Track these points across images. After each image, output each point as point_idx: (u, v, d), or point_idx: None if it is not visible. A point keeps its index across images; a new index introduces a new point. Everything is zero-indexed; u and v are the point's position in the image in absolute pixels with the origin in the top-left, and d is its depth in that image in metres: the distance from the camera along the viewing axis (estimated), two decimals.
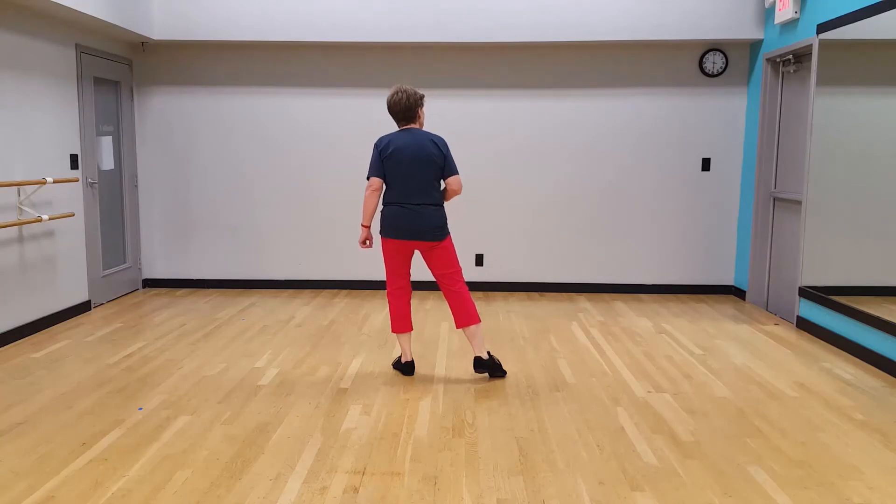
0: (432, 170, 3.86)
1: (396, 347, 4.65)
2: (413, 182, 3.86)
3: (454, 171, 3.90)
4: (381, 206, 3.82)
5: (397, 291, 4.02)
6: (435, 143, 3.87)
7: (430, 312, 5.69)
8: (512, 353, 4.56)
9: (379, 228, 3.90)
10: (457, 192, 3.93)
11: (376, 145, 3.91)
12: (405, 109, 3.88)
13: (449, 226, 6.46)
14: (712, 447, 3.12)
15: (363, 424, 3.36)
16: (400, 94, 3.86)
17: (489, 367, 4.01)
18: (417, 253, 6.24)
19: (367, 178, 3.92)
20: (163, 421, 3.38)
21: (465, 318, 3.95)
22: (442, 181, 3.96)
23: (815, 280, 4.94)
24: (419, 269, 6.52)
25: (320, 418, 3.43)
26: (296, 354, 4.49)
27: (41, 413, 3.48)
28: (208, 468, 2.89)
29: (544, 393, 3.81)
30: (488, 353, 4.04)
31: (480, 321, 3.90)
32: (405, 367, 4.12)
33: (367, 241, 4.01)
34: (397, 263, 3.99)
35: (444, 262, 3.96)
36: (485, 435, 3.24)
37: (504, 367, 4.16)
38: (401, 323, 4.04)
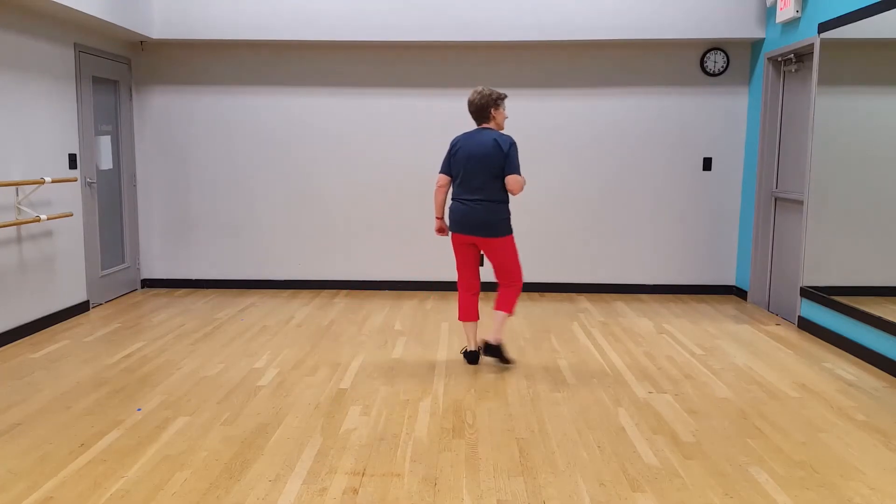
0: (490, 168, 3.99)
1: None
2: (471, 179, 4.04)
3: (513, 171, 3.99)
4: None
5: (464, 283, 4.25)
6: (498, 142, 3.99)
7: (430, 313, 5.67)
8: (512, 353, 4.55)
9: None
10: (514, 192, 4.01)
11: (450, 143, 4.17)
12: (477, 109, 4.07)
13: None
14: (713, 448, 3.11)
15: (363, 425, 3.35)
16: (475, 94, 4.08)
17: (496, 354, 4.23)
18: None
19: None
20: (162, 421, 3.37)
21: (503, 304, 4.18)
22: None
23: (816, 280, 4.93)
24: (415, 270, 6.52)
25: (320, 419, 3.42)
26: (295, 355, 4.48)
27: (40, 413, 3.47)
28: (207, 469, 2.88)
29: (545, 393, 3.79)
30: (502, 346, 4.23)
31: (512, 314, 4.24)
32: (468, 356, 4.32)
33: (445, 230, 4.30)
34: (462, 256, 4.20)
35: (500, 261, 4.13)
36: (485, 435, 3.23)
37: (507, 357, 4.31)
38: (464, 312, 4.26)
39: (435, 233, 4.24)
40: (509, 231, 4.08)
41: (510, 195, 4.09)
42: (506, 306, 4.16)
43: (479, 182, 4.02)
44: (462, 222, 4.07)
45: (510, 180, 3.98)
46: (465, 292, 4.24)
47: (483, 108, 4.06)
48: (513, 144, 3.99)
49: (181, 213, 6.56)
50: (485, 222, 4.02)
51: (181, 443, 3.13)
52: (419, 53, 6.32)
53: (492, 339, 4.20)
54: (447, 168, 4.16)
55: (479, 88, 4.05)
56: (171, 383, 3.92)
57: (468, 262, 4.21)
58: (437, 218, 4.27)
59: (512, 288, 4.16)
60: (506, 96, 4.13)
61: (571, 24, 5.88)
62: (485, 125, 4.11)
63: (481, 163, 3.99)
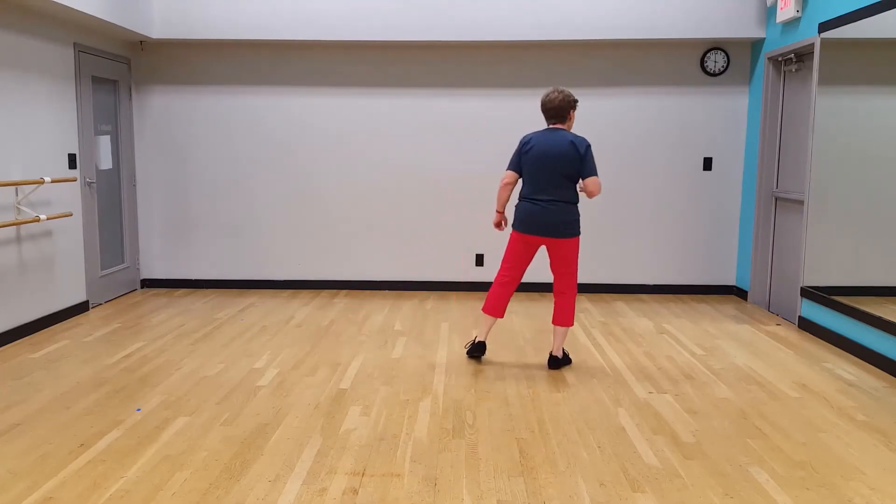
0: (564, 168, 3.97)
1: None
2: (543, 179, 4.00)
3: (592, 173, 3.97)
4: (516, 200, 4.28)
5: (503, 279, 4.20)
6: (574, 143, 3.96)
7: (430, 313, 5.67)
8: (512, 353, 4.54)
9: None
10: (593, 194, 3.98)
11: (520, 141, 4.12)
12: (555, 108, 4.02)
13: (451, 225, 6.45)
14: (713, 448, 3.11)
15: (363, 425, 3.34)
16: (555, 93, 4.01)
17: (560, 364, 4.24)
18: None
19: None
20: (161, 422, 3.37)
21: (561, 318, 4.16)
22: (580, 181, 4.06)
23: (816, 280, 4.93)
24: (415, 270, 6.52)
25: (320, 419, 3.42)
26: (295, 355, 4.48)
27: (39, 413, 3.46)
28: (207, 469, 2.88)
29: (545, 394, 3.79)
30: (563, 350, 4.26)
31: (572, 325, 4.21)
32: (475, 348, 4.32)
33: (502, 224, 4.26)
34: (516, 255, 4.18)
35: (564, 262, 4.10)
36: (485, 436, 3.23)
37: (570, 358, 4.36)
38: (493, 305, 4.24)
39: (493, 226, 4.33)
40: (579, 231, 4.07)
41: (588, 197, 4.10)
42: (566, 320, 4.14)
43: (553, 182, 3.98)
44: (531, 223, 4.03)
45: (589, 183, 3.96)
46: (502, 287, 4.19)
47: (562, 109, 4.01)
48: (589, 147, 3.98)
49: (181, 213, 6.55)
50: (558, 223, 3.99)
51: (181, 443, 3.13)
52: (419, 53, 6.32)
53: (556, 354, 4.21)
54: (517, 165, 4.10)
55: (560, 88, 4.02)
56: (171, 383, 3.91)
57: (522, 261, 4.17)
58: (499, 212, 4.23)
59: (567, 295, 4.12)
60: (578, 101, 4.16)
61: (571, 24, 5.88)
62: (558, 125, 4.06)
63: (556, 163, 3.95)
